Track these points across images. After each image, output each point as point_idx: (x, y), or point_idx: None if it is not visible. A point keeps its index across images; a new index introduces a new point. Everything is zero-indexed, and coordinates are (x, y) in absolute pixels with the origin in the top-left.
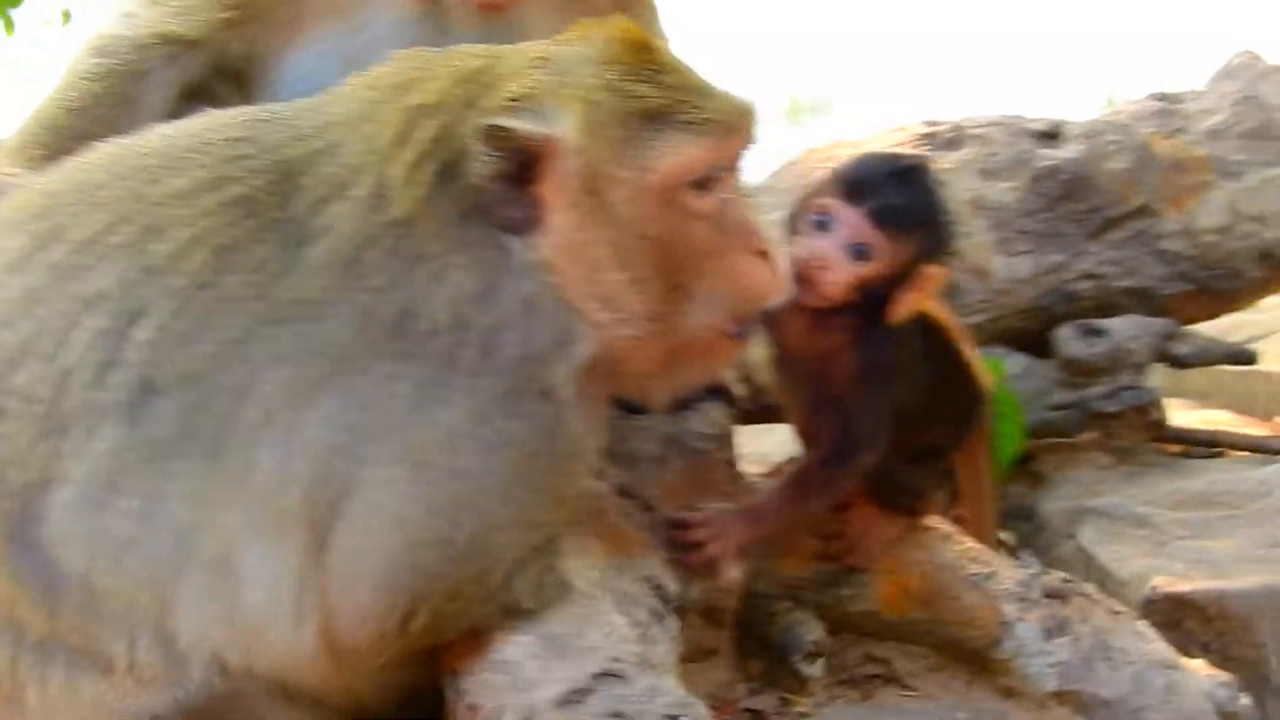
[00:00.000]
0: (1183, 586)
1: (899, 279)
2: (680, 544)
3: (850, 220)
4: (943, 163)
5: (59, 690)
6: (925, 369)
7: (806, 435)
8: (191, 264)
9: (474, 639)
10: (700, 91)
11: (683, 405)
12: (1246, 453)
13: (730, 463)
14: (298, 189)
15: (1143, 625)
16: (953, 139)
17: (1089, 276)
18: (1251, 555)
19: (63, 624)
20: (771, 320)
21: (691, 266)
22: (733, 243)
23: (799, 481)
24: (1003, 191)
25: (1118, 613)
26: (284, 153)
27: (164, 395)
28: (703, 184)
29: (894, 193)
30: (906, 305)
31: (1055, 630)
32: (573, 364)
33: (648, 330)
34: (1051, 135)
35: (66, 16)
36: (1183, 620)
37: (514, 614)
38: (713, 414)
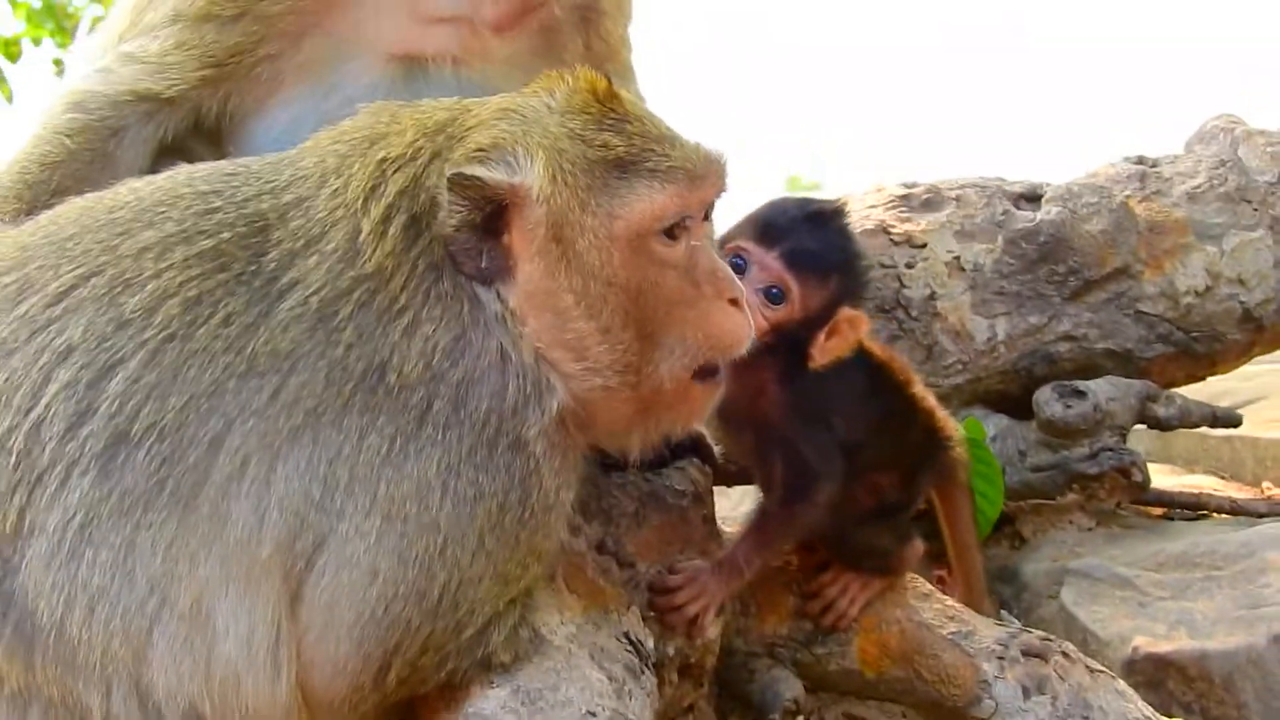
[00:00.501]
0: (1164, 647)
1: (816, 322)
2: (662, 608)
3: (764, 263)
4: (920, 224)
5: None
6: (871, 409)
7: (760, 478)
8: (162, 317)
9: (449, 692)
10: (666, 140)
11: (661, 462)
12: (1229, 516)
13: (708, 519)
14: (268, 243)
15: (1122, 684)
16: (930, 200)
17: (1068, 338)
18: (1233, 616)
19: (39, 675)
20: None
21: (661, 315)
22: (703, 291)
23: (763, 526)
24: (980, 253)
25: (1097, 671)
26: (254, 206)
27: (136, 447)
28: (671, 232)
29: (807, 236)
30: (828, 349)
31: (1034, 689)
32: (545, 416)
33: (618, 380)
34: (1029, 197)
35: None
36: (1165, 680)
37: (489, 667)
38: (690, 471)
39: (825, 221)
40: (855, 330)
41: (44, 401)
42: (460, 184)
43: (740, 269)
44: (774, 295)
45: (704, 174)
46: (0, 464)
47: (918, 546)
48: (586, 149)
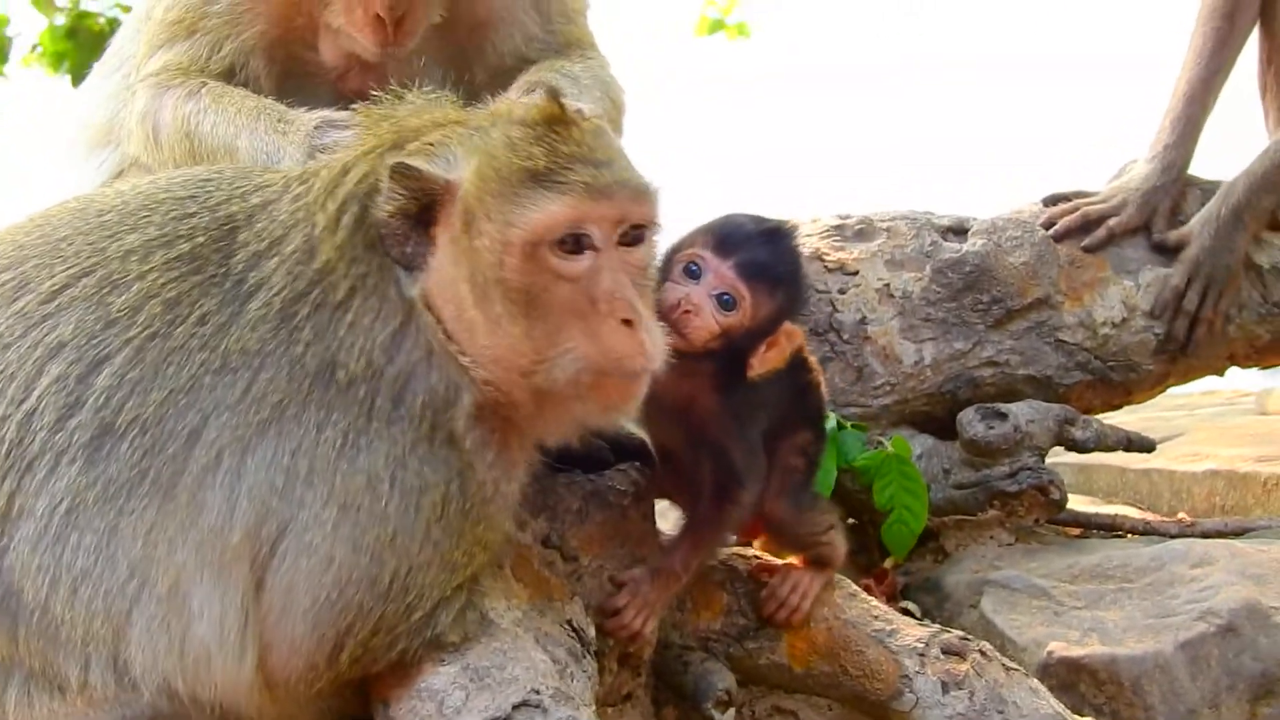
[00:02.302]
0: (1077, 652)
1: (760, 332)
2: (611, 629)
3: (719, 271)
4: (853, 253)
5: (15, 706)
6: (788, 393)
7: (687, 477)
8: (145, 316)
9: (402, 669)
10: (587, 160)
11: (605, 464)
12: (1141, 536)
13: (647, 517)
14: (235, 244)
15: (1035, 682)
16: (862, 230)
17: (991, 364)
18: (1142, 625)
19: (22, 647)
20: None
21: (552, 322)
22: (598, 308)
23: (695, 530)
24: (909, 281)
25: (1012, 670)
26: (225, 210)
27: (120, 438)
28: (572, 246)
29: (760, 249)
30: (767, 360)
31: (952, 684)
32: (467, 407)
33: (503, 373)
34: (956, 230)
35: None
36: (1077, 683)
37: (438, 648)
38: (632, 473)
39: (778, 238)
40: (792, 343)
41: (36, 393)
42: (399, 173)
43: (695, 275)
44: (726, 301)
45: (607, 193)
46: None
47: (844, 541)
48: (513, 158)
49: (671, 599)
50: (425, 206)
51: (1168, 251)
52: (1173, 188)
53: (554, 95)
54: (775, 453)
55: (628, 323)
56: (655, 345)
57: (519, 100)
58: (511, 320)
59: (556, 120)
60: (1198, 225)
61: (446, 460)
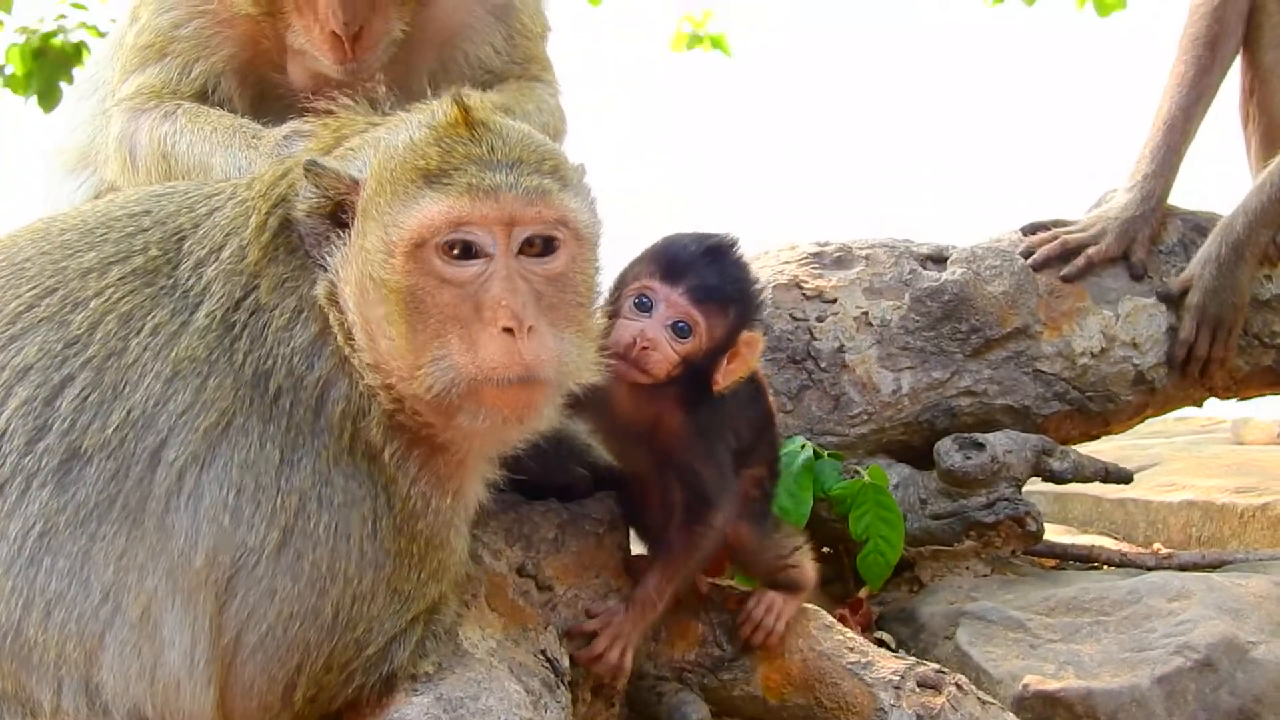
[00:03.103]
0: (1052, 685)
1: (719, 350)
2: (585, 659)
3: (670, 300)
4: (831, 280)
5: None
6: (751, 414)
7: (657, 503)
8: (103, 333)
9: (375, 700)
10: (483, 163)
11: (582, 493)
12: (1118, 568)
13: (622, 547)
14: (181, 253)
15: (1011, 716)
16: (841, 258)
17: (969, 393)
18: (1118, 658)
19: None
20: (598, 395)
21: (432, 325)
22: (481, 315)
23: (668, 557)
24: (888, 309)
25: (988, 703)
26: (174, 221)
27: (88, 462)
28: (458, 250)
29: (708, 271)
30: (730, 372)
31: (928, 718)
32: (380, 418)
33: (383, 376)
34: (935, 258)
35: None
36: (1052, 717)
37: (397, 683)
38: (608, 502)
39: (722, 255)
40: (753, 351)
41: (4, 417)
42: (312, 171)
43: (646, 307)
44: (681, 329)
45: (492, 194)
46: None
47: (813, 565)
48: (408, 156)
49: (648, 630)
50: (339, 206)
51: (1169, 300)
52: (1152, 217)
53: (458, 97)
54: (737, 479)
55: (508, 331)
56: (540, 354)
57: (433, 102)
58: (392, 323)
59: (458, 122)
60: (1198, 267)
61: (370, 474)
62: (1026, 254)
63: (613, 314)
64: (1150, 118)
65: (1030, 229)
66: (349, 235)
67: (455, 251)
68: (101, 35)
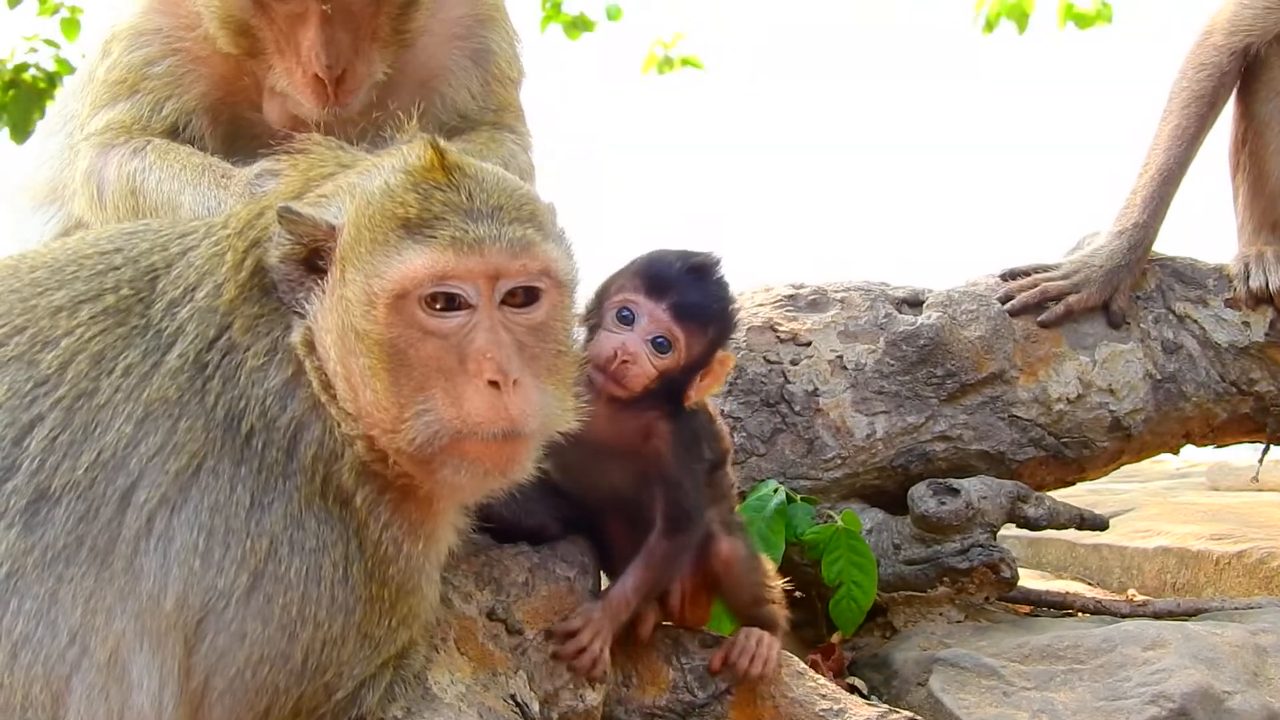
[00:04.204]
0: None
1: (696, 366)
2: (568, 654)
3: (653, 315)
4: (806, 323)
5: None
6: (709, 425)
7: (633, 520)
8: (73, 373)
9: None
10: (464, 212)
11: (551, 536)
12: (1092, 615)
13: (594, 591)
14: (155, 293)
15: None
16: (816, 301)
17: (944, 438)
18: (1093, 707)
19: None
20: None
21: (416, 378)
22: (465, 367)
23: (647, 560)
24: (862, 353)
25: None
26: (147, 260)
27: (56, 504)
28: (442, 303)
29: (691, 289)
30: (703, 389)
31: None
32: (353, 464)
33: (367, 428)
34: (911, 302)
35: None
36: None
37: None
38: (580, 544)
39: (706, 274)
40: (725, 369)
41: None
42: (285, 218)
43: (628, 320)
44: (661, 345)
45: (477, 248)
46: None
47: (783, 612)
48: (386, 203)
49: (619, 627)
50: (315, 252)
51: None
52: (1136, 267)
53: (433, 141)
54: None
55: (494, 384)
56: (525, 407)
57: (405, 145)
58: (375, 375)
59: (434, 167)
60: None
61: (342, 519)
62: (1005, 299)
63: (593, 325)
64: (1139, 164)
65: (1009, 274)
66: (326, 282)
67: (439, 305)
68: (72, 70)
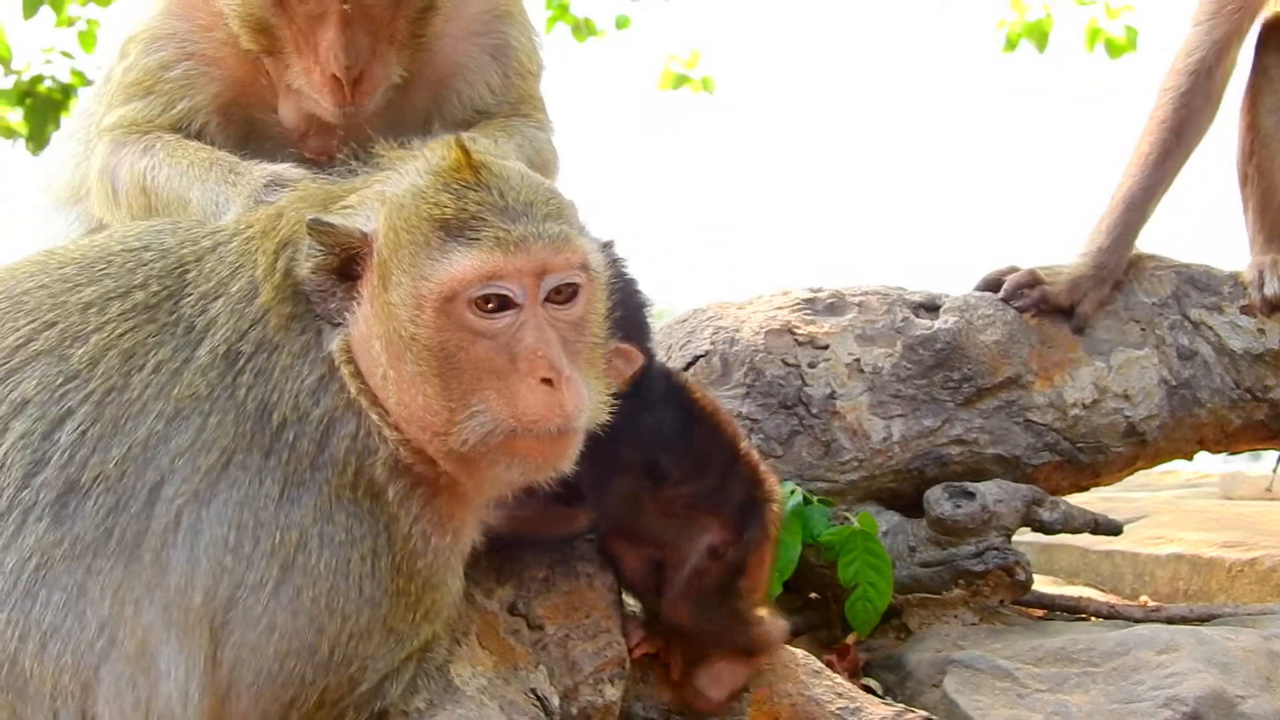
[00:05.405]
0: None
1: None
2: None
3: None
4: (824, 327)
5: None
6: (687, 447)
7: None
8: (104, 368)
9: None
10: (502, 212)
11: (574, 535)
12: (1105, 619)
13: (613, 589)
14: (186, 287)
15: None
16: (834, 305)
17: (959, 442)
18: (1106, 710)
19: None
20: None
21: (468, 379)
22: (516, 366)
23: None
24: (880, 357)
25: None
26: (177, 254)
27: (86, 496)
28: (492, 304)
29: None
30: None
31: None
32: (387, 458)
33: (419, 431)
34: (928, 306)
35: None
36: None
37: (401, 715)
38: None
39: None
40: (630, 364)
41: (2, 450)
42: (315, 229)
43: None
44: None
45: (522, 246)
46: None
47: (781, 624)
48: (421, 206)
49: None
50: (348, 260)
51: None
52: (1104, 285)
53: (458, 141)
54: (680, 547)
55: (547, 382)
56: (577, 403)
57: (425, 147)
58: (425, 379)
59: (461, 166)
60: None
61: (372, 512)
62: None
63: None
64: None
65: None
66: (362, 290)
67: (489, 306)
68: (88, 82)
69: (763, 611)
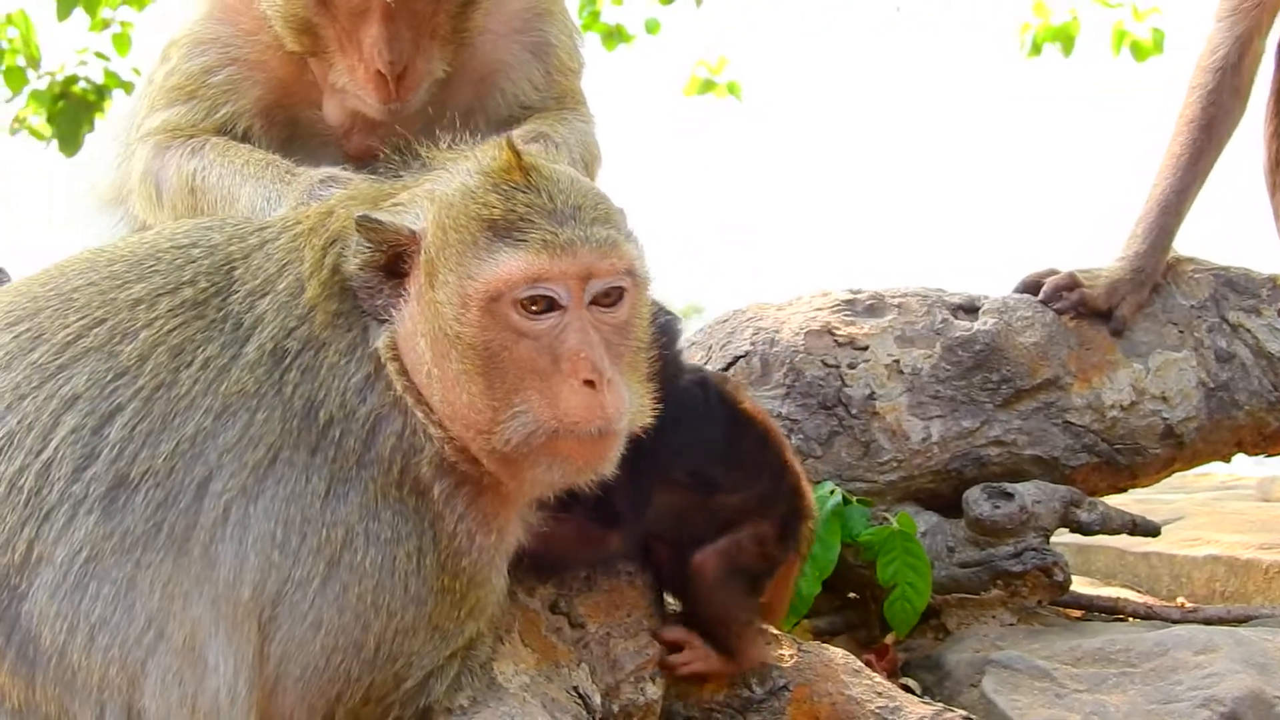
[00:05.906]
0: None
1: None
2: None
3: None
4: (864, 328)
5: None
6: (738, 457)
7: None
8: (153, 365)
9: None
10: (547, 212)
11: (606, 558)
12: (1143, 620)
13: (653, 587)
14: (232, 281)
15: None
16: (873, 306)
17: (998, 443)
18: (1144, 710)
19: (39, 693)
20: None
21: (511, 379)
22: (559, 367)
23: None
24: (919, 358)
25: None
26: (225, 251)
27: (135, 490)
28: (537, 305)
29: None
30: None
31: None
32: (432, 456)
33: (463, 429)
34: (968, 308)
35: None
36: None
37: (432, 717)
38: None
39: None
40: None
41: (53, 444)
42: (364, 226)
43: None
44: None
45: (569, 249)
46: (12, 500)
47: (769, 652)
48: (470, 206)
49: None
50: (395, 258)
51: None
52: (1142, 289)
53: (510, 142)
54: (730, 521)
55: (590, 383)
56: (619, 405)
57: (476, 148)
58: (469, 378)
59: (512, 168)
60: None
61: (417, 510)
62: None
63: None
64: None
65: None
66: (409, 288)
67: (534, 307)
68: (121, 83)
69: (766, 628)
